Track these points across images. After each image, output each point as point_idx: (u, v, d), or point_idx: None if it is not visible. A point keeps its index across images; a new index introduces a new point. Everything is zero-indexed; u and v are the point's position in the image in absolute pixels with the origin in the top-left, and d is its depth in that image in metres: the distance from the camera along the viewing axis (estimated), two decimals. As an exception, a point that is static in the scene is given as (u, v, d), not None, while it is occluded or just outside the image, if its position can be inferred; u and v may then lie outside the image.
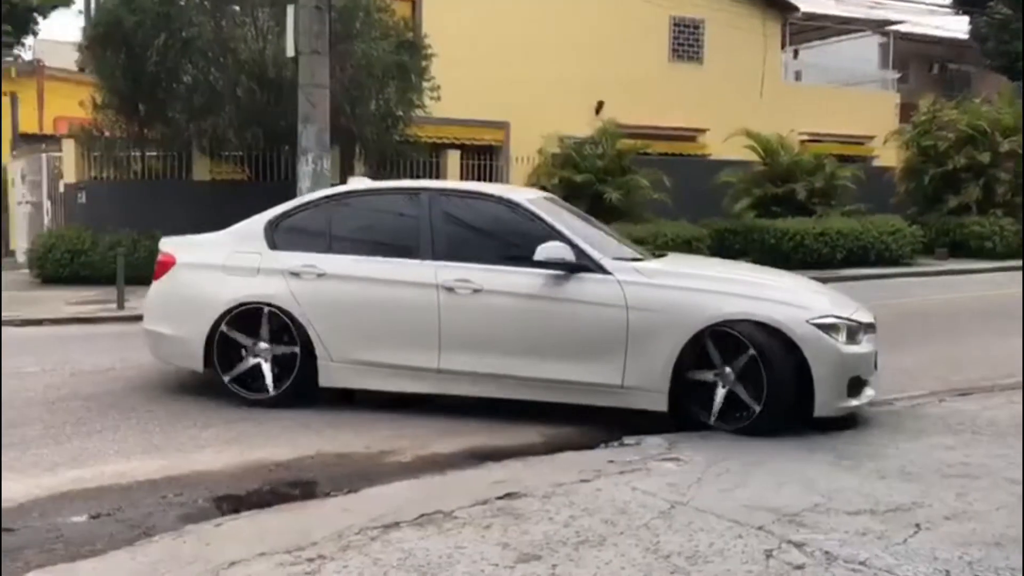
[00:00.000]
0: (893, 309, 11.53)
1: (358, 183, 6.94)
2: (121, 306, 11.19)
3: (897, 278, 16.10)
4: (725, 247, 16.69)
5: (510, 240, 6.09)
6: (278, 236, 6.29)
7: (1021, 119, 19.79)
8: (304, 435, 5.44)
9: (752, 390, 5.29)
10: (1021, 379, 6.77)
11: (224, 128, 14.75)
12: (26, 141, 20.59)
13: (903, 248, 17.62)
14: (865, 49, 28.61)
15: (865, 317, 5.70)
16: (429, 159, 18.45)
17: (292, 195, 12.32)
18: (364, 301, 5.98)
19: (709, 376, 5.44)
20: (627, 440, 5.18)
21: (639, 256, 6.28)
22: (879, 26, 27.46)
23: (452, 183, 8.10)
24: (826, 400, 5.29)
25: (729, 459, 4.67)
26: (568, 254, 5.63)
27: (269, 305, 6.04)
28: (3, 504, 4.17)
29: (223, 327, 6.07)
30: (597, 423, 5.73)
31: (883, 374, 7.28)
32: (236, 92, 14.32)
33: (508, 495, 4.05)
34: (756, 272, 6.98)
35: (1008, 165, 19.14)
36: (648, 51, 21.73)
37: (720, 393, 5.39)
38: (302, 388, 6.03)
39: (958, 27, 27.94)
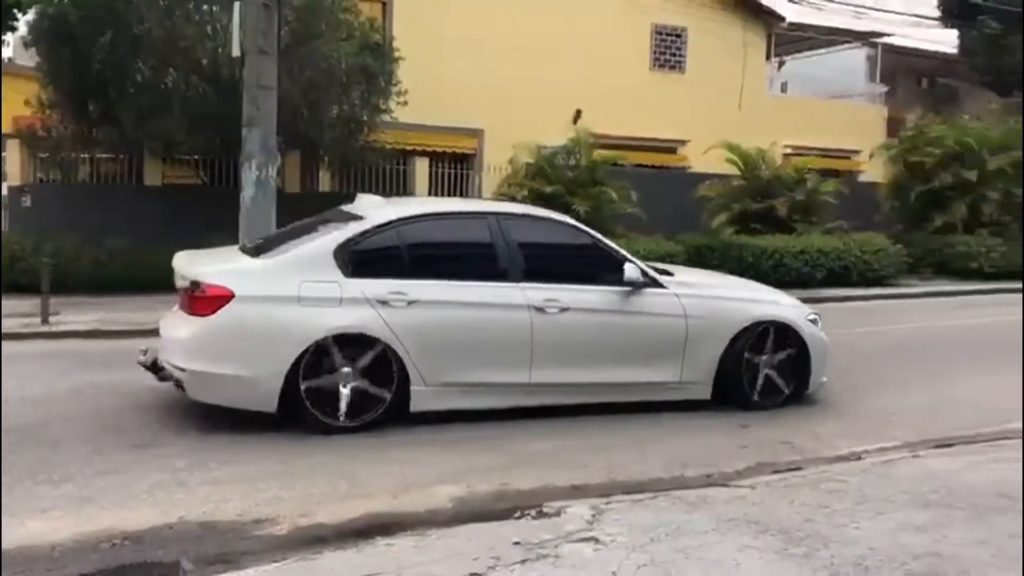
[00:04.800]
0: (873, 339, 10.88)
1: (367, 201, 6.88)
2: (45, 320, 10.39)
3: (879, 300, 15.43)
4: (703, 264, 15.92)
5: (579, 260, 6.80)
6: (351, 263, 6.02)
7: (1021, 135, 19.19)
8: (175, 492, 4.69)
9: (780, 373, 6.91)
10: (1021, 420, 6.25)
11: (174, 130, 14.00)
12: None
13: (887, 268, 16.94)
14: (853, 61, 27.91)
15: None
16: (396, 166, 17.77)
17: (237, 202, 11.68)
18: (457, 325, 6.10)
19: (754, 362, 6.80)
20: (548, 507, 4.44)
21: (668, 271, 7.26)
22: (867, 38, 26.79)
23: (516, 207, 8.17)
24: (816, 378, 7.06)
25: (658, 541, 3.93)
26: (638, 273, 6.50)
27: (360, 335, 5.87)
28: None
29: (304, 364, 5.75)
30: (536, 474, 5.02)
31: (858, 419, 6.68)
32: (187, 93, 13.56)
33: (373, 596, 3.31)
34: (734, 280, 8.38)
35: (996, 184, 18.50)
36: (629, 59, 21.02)
37: (761, 374, 6.83)
38: (393, 414, 6.00)
39: (947, 41, 27.30)
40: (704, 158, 18.88)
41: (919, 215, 19.20)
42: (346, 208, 6.94)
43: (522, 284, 6.27)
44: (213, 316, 5.76)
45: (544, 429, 6.15)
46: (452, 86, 17.75)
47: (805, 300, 7.92)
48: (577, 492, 4.86)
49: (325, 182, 17.82)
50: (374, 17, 16.82)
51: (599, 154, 16.10)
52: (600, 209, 15.12)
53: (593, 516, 4.26)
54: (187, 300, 6.00)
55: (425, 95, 16.11)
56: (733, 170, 18.15)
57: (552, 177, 15.41)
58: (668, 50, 21.71)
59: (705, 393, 6.73)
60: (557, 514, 4.32)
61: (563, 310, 6.29)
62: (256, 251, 6.58)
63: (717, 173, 18.31)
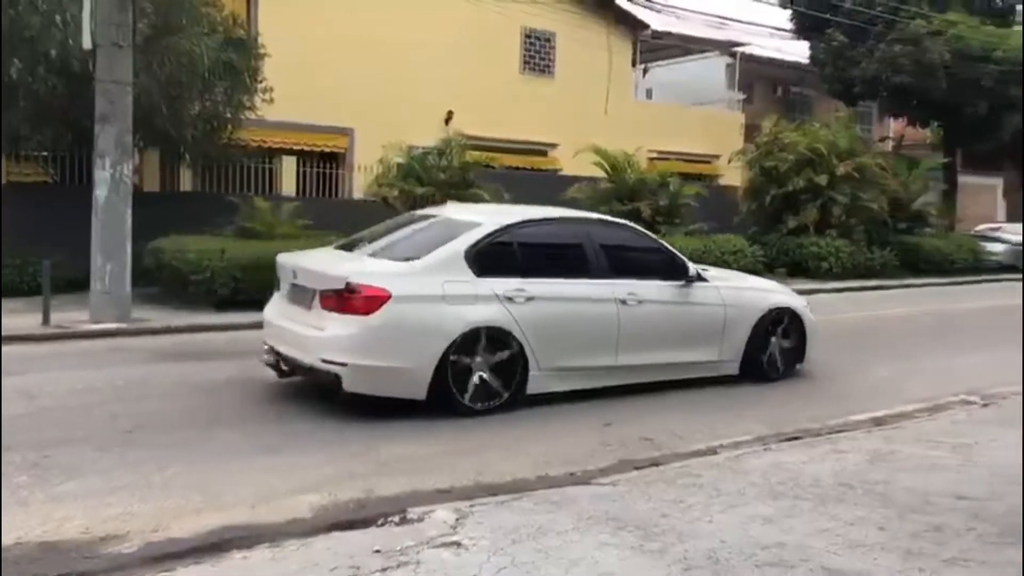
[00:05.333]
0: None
1: (454, 209, 8.40)
2: None
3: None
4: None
5: (646, 258, 7.78)
6: (478, 264, 6.77)
7: (856, 142, 20.49)
8: (12, 512, 4.40)
9: (781, 351, 8.30)
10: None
11: (19, 124, 13.18)
12: None
13: (744, 268, 17.69)
14: (713, 69, 29.04)
15: None
16: (262, 165, 17.31)
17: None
18: (564, 316, 7.01)
19: (768, 342, 8.18)
20: (411, 513, 4.41)
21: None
22: (726, 47, 27.95)
23: (591, 214, 8.93)
24: (809, 354, 8.50)
25: (520, 542, 3.97)
26: (693, 269, 7.81)
27: (495, 328, 6.65)
28: None
29: (455, 352, 6.47)
30: (401, 480, 4.97)
31: (713, 414, 6.93)
32: (33, 86, 12.76)
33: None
34: (743, 274, 10.34)
35: (844, 188, 19.63)
36: (499, 62, 21.15)
37: (769, 352, 8.20)
38: (516, 397, 6.80)
39: (800, 52, 28.76)
40: (574, 161, 19.23)
41: (774, 217, 20.18)
42: (429, 212, 8.13)
43: (608, 280, 7.28)
44: (374, 315, 6.32)
45: (411, 433, 6.12)
46: (321, 84, 17.42)
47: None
48: (442, 496, 4.84)
49: (186, 181, 17.17)
50: (238, 12, 16.29)
51: (471, 155, 16.14)
52: (471, 211, 15.13)
53: (457, 520, 4.26)
54: (336, 300, 6.42)
55: (293, 93, 15.76)
56: (601, 173, 18.57)
57: (424, 178, 15.34)
58: (538, 54, 21.98)
59: (735, 369, 8.03)
60: (420, 519, 4.29)
61: (641, 302, 7.35)
62: (352, 248, 7.45)
63: (586, 176, 18.68)
